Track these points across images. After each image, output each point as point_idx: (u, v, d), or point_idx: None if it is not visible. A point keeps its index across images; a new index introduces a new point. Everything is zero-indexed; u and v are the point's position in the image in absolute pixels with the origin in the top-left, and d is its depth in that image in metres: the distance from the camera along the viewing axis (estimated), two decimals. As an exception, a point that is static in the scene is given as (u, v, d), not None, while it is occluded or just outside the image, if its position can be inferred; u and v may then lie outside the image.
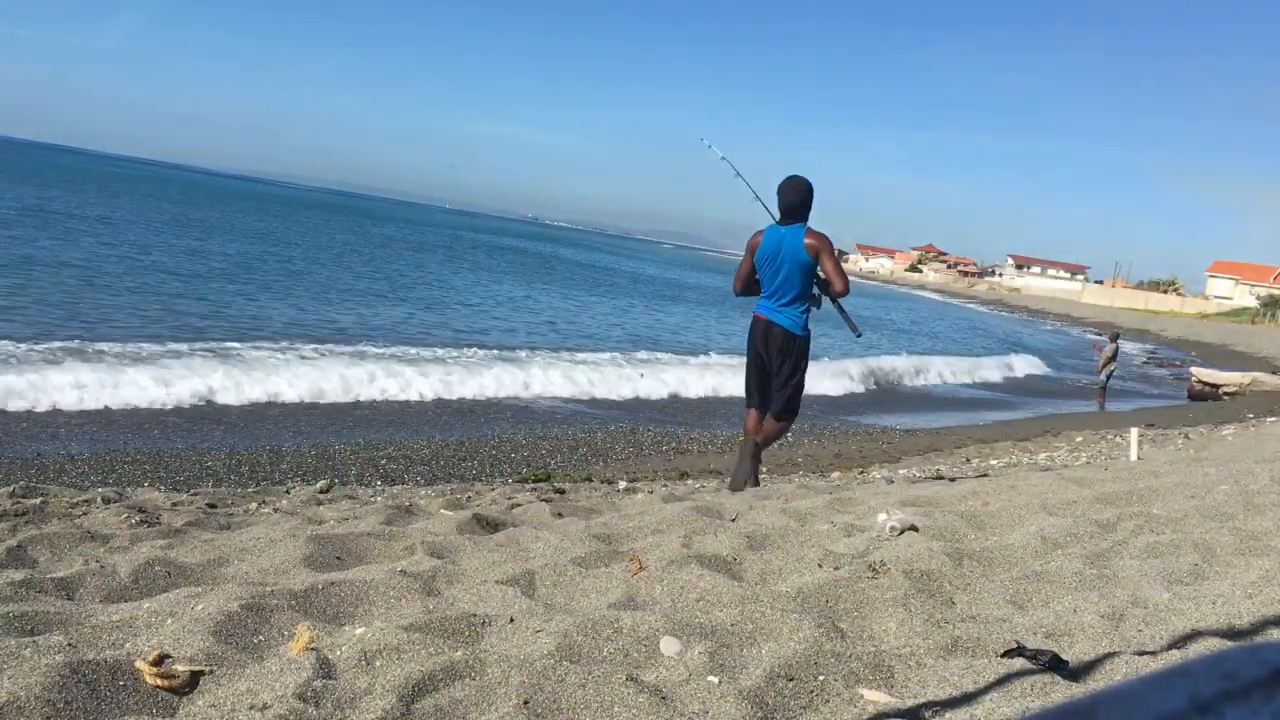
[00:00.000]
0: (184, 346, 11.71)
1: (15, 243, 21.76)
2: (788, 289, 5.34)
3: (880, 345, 25.39)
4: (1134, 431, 8.14)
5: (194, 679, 2.39)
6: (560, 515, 4.51)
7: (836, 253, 5.43)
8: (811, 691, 2.46)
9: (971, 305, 75.17)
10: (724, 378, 14.79)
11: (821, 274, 5.34)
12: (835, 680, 2.52)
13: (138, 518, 4.17)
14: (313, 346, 13.02)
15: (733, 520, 4.29)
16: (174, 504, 4.74)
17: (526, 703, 2.28)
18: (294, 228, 50.00)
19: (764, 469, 8.12)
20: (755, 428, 5.63)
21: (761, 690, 2.42)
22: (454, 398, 11.31)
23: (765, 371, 5.51)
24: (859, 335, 5.77)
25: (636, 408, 12.38)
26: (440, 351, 14.15)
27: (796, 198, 5.32)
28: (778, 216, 5.39)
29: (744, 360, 5.69)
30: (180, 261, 23.28)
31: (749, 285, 5.52)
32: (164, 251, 24.82)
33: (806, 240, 5.28)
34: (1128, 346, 33.84)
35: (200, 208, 55.96)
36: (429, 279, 27.97)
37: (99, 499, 4.70)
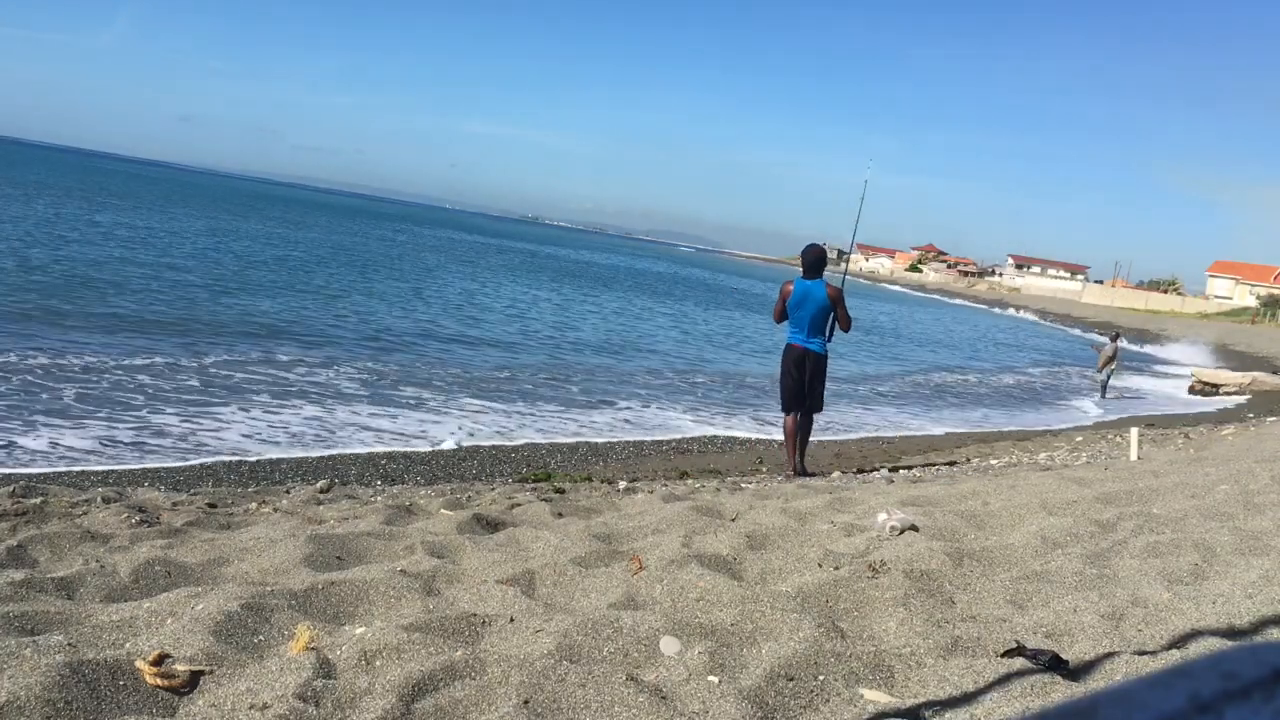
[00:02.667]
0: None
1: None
2: (814, 326, 7.51)
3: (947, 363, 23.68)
4: (1134, 431, 8.14)
5: (194, 679, 2.39)
6: (560, 515, 4.51)
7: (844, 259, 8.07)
8: (811, 691, 2.46)
9: (994, 310, 73.16)
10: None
11: (834, 315, 7.52)
12: (835, 680, 2.52)
13: (138, 518, 4.17)
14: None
15: (733, 520, 4.29)
16: (174, 504, 4.74)
17: (526, 703, 2.28)
18: (351, 238, 47.91)
19: (765, 469, 8.16)
20: (794, 428, 7.62)
21: (761, 690, 2.42)
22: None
23: (800, 385, 7.56)
24: (829, 340, 7.64)
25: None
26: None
27: (816, 259, 7.56)
28: (844, 245, 8.32)
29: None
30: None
31: (784, 317, 7.64)
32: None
33: (828, 292, 7.45)
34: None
35: (250, 217, 55.37)
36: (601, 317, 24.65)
37: (99, 499, 4.70)
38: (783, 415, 7.75)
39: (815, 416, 7.82)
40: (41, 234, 24.92)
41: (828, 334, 7.56)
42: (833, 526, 4.13)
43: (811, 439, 8.02)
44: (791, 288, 7.50)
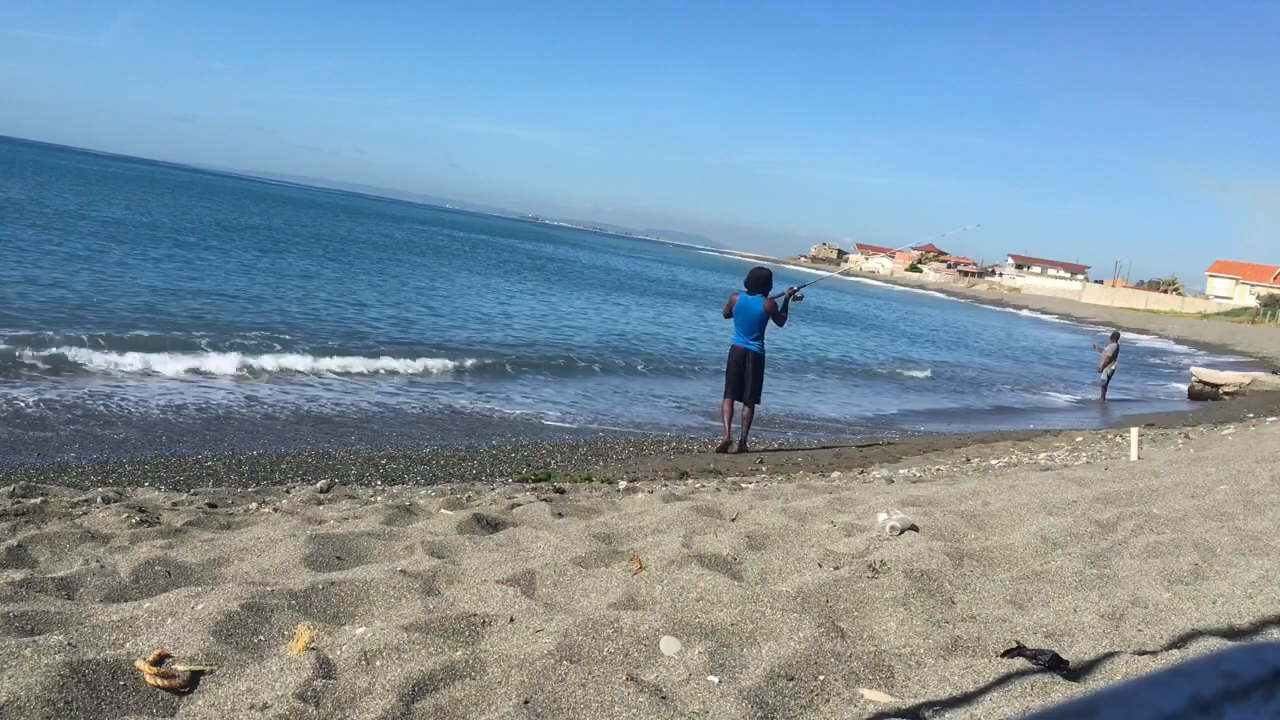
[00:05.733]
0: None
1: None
2: (754, 330, 9.34)
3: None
4: (1134, 431, 8.14)
5: (194, 679, 2.39)
6: (560, 515, 4.51)
7: (792, 291, 9.77)
8: (811, 691, 2.46)
9: (1023, 312, 70.73)
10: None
11: (773, 318, 9.34)
12: (835, 680, 2.52)
13: (138, 518, 4.17)
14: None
15: (733, 520, 4.29)
16: (174, 504, 4.74)
17: (526, 702, 2.28)
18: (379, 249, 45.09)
19: (765, 469, 8.17)
20: (730, 410, 9.33)
21: (761, 690, 2.42)
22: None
23: (741, 378, 9.30)
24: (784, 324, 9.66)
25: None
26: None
27: (755, 281, 9.33)
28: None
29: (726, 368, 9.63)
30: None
31: (731, 316, 9.46)
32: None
33: (765, 305, 9.29)
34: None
35: (263, 216, 55.01)
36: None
37: (99, 499, 4.70)
38: (723, 399, 9.47)
39: (756, 406, 9.56)
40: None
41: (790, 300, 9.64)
42: (833, 526, 4.13)
43: (813, 439, 8.35)
44: (737, 299, 9.34)
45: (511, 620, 2.81)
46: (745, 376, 9.28)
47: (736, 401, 9.32)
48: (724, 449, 9.17)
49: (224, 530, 4.03)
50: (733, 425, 9.31)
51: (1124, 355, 20.13)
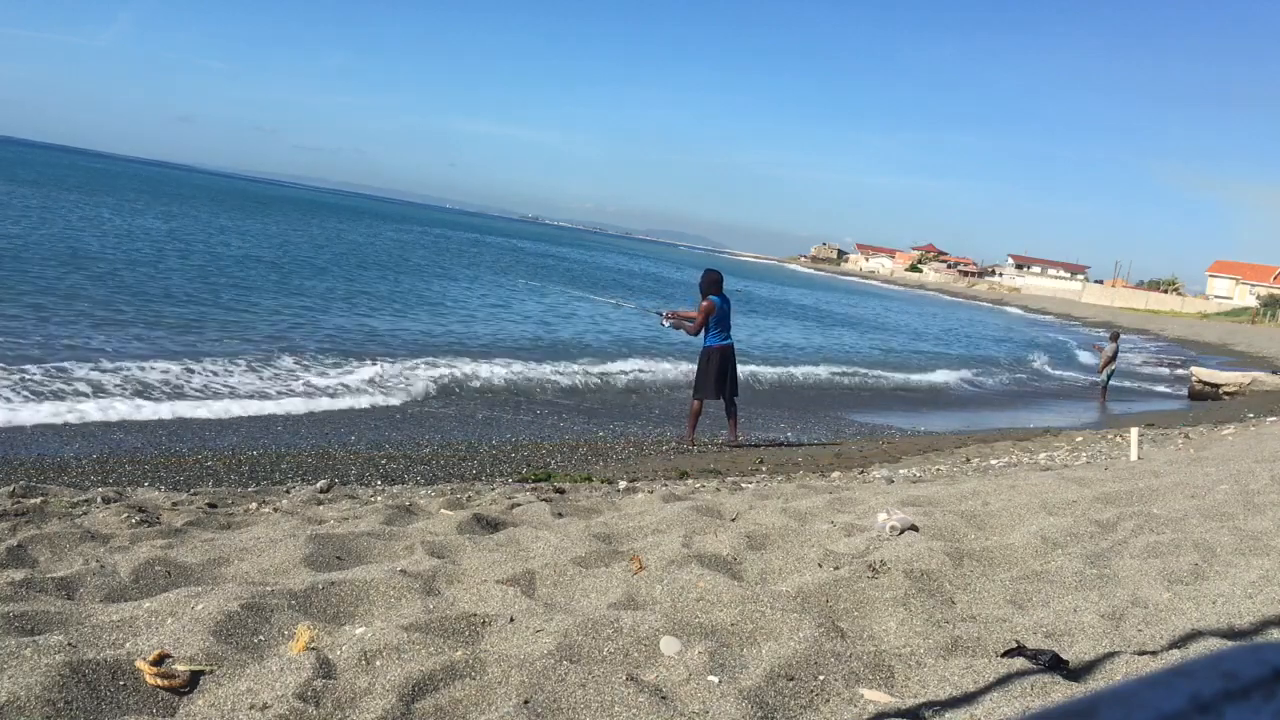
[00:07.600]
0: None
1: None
2: (730, 326, 9.87)
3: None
4: (1134, 431, 8.14)
5: (194, 679, 2.39)
6: (560, 515, 4.51)
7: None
8: (811, 691, 2.46)
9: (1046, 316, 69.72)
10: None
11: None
12: (835, 680, 2.52)
13: (138, 518, 4.17)
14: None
15: (733, 520, 4.29)
16: (174, 504, 4.74)
17: (526, 702, 2.28)
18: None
19: (765, 468, 8.18)
20: (700, 410, 9.77)
21: (761, 690, 2.42)
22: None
23: (727, 374, 9.67)
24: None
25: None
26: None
27: (718, 280, 9.77)
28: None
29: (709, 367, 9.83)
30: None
31: (703, 330, 9.74)
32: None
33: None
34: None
35: (271, 220, 54.86)
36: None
37: (99, 499, 4.70)
38: (697, 400, 9.71)
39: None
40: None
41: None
42: (833, 526, 4.13)
43: (811, 439, 8.35)
44: (713, 305, 9.69)
45: (511, 620, 2.81)
46: (733, 372, 9.74)
47: (715, 400, 9.72)
48: (690, 445, 9.51)
49: (224, 530, 4.03)
50: (696, 427, 9.76)
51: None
